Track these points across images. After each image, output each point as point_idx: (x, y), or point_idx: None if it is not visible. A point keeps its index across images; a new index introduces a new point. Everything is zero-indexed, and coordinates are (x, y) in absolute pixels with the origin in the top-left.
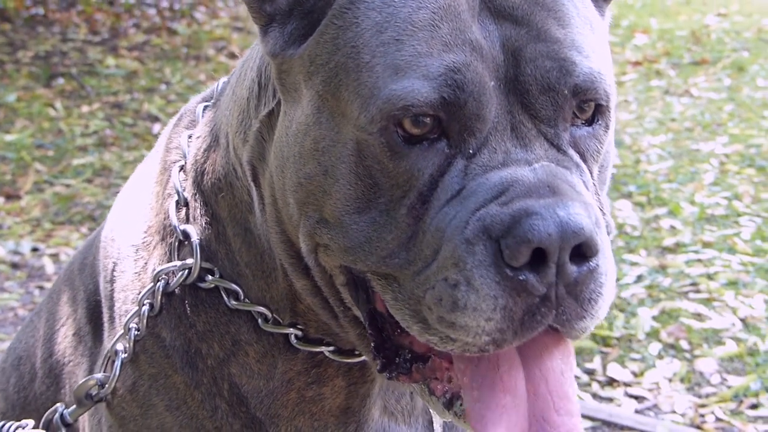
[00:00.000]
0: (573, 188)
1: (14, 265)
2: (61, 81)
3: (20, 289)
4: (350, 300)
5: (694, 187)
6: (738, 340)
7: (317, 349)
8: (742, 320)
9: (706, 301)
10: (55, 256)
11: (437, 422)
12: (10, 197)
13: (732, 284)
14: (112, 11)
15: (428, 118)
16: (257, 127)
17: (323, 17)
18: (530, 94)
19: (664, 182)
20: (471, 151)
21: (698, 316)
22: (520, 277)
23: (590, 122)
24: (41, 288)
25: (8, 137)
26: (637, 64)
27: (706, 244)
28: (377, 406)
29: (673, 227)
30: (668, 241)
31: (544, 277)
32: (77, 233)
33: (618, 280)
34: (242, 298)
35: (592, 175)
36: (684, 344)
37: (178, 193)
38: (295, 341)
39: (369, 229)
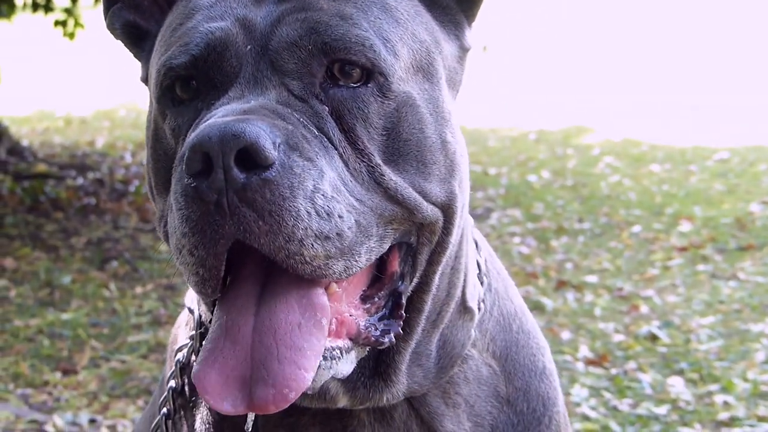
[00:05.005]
0: (279, 116)
1: None
2: (114, 264)
3: None
4: None
5: (746, 365)
6: None
7: None
8: None
9: None
10: (112, 428)
11: None
12: (67, 372)
13: None
14: None
15: (193, 82)
16: None
17: None
18: (277, 52)
19: (715, 360)
20: (212, 102)
21: None
22: (192, 185)
23: (357, 85)
24: None
25: (64, 316)
26: (683, 249)
27: (761, 419)
28: None
29: (726, 402)
30: (723, 416)
31: (213, 183)
32: (133, 405)
33: None
34: None
35: (355, 134)
36: None
37: None
38: None
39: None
